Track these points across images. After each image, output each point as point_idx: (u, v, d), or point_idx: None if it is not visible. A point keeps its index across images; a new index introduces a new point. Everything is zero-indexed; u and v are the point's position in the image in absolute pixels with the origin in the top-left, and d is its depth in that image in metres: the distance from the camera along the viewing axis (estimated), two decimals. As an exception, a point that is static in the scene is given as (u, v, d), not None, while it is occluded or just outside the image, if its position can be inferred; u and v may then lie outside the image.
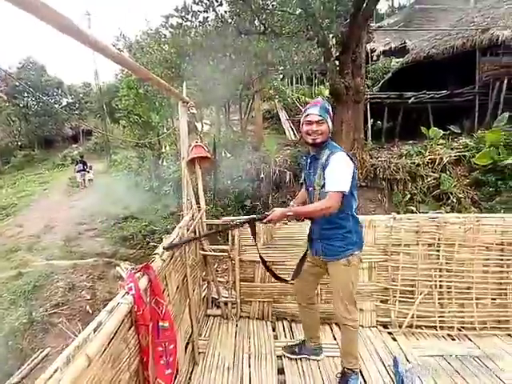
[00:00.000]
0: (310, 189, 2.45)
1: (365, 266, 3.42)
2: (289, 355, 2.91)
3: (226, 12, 8.80)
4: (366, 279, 3.46)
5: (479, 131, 8.97)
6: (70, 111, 28.19)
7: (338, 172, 2.25)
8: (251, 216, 2.46)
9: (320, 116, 2.31)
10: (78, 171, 18.18)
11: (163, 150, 13.64)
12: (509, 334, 3.30)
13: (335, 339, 3.20)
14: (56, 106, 27.33)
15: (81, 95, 29.92)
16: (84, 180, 18.12)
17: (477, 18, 11.31)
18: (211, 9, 8.46)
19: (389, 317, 3.46)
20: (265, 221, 2.27)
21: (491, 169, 7.62)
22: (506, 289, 3.40)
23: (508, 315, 3.37)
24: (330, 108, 2.41)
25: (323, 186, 2.30)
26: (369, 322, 3.48)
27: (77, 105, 29.48)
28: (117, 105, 18.14)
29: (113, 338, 1.35)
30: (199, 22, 8.43)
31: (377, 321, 3.47)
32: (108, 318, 1.36)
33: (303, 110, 2.46)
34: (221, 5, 8.47)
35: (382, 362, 2.86)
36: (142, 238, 11.67)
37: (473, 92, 10.93)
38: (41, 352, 4.61)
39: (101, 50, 1.43)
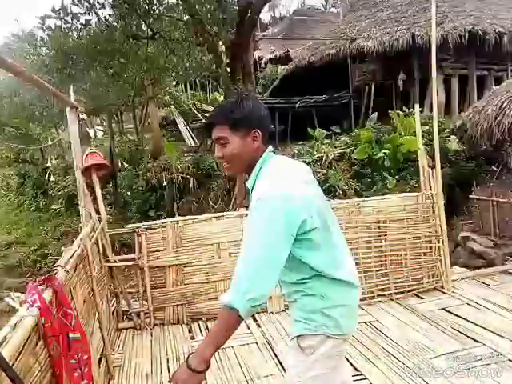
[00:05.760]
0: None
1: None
2: None
3: (109, 15, 8.43)
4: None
5: (356, 130, 10.20)
6: None
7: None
8: None
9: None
10: None
11: (49, 164, 12.32)
12: (391, 299, 3.90)
13: (248, 328, 3.39)
14: None
15: None
16: None
17: (346, 30, 12.84)
18: (93, 11, 8.03)
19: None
20: None
21: (367, 162, 8.75)
22: (385, 260, 4.00)
23: (389, 282, 3.97)
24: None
25: None
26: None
27: None
28: (-15, 117, 15.88)
29: (20, 352, 1.29)
30: (81, 24, 7.91)
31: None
32: (13, 333, 1.29)
33: None
34: (103, 7, 8.09)
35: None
36: (31, 264, 10.51)
37: (347, 96, 12.38)
38: None
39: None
